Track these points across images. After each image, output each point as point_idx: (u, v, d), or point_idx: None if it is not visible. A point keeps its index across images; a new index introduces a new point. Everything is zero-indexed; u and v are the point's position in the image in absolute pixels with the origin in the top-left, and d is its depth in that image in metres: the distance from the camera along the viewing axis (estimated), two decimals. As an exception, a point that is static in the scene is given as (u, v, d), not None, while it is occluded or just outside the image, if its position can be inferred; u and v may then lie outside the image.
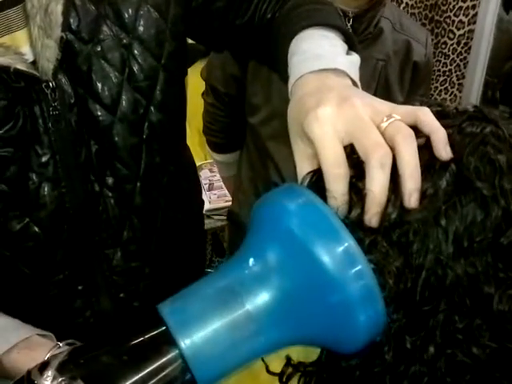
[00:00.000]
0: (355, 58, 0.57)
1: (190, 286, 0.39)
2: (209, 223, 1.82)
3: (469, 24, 1.90)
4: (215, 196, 1.93)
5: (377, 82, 1.24)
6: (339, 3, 1.09)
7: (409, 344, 0.38)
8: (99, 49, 0.67)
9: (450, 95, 2.03)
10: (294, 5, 0.70)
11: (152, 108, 0.72)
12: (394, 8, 1.32)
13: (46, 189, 0.67)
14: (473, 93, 1.97)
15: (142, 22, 0.69)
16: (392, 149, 0.38)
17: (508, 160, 0.38)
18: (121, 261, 0.76)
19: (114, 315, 0.78)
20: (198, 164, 1.99)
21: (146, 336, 0.36)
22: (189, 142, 0.92)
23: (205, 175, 2.03)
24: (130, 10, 0.68)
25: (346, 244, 0.36)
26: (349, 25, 1.12)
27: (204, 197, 1.87)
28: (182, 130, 0.85)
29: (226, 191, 1.80)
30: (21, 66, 0.60)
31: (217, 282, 0.38)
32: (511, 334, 0.38)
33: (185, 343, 0.35)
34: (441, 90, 2.03)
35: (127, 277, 0.78)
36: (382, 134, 0.39)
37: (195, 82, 1.60)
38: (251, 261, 0.38)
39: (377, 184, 0.37)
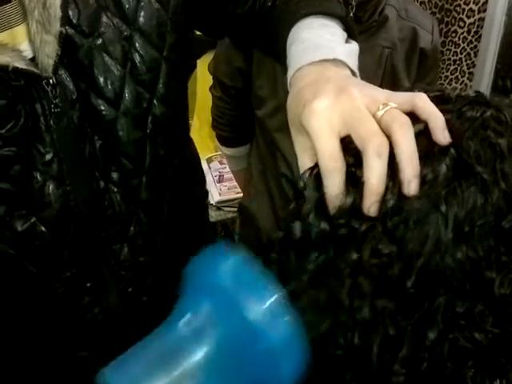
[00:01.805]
0: (354, 47, 0.56)
1: (134, 348, 0.40)
2: (219, 215, 1.81)
3: (479, 12, 1.86)
4: (225, 188, 1.91)
5: (383, 70, 1.23)
6: None
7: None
8: (100, 42, 0.66)
9: (460, 84, 2.00)
10: None
11: (155, 101, 0.72)
12: None
13: (50, 187, 0.66)
14: (483, 82, 1.94)
15: (142, 13, 0.68)
16: (389, 137, 0.38)
17: (509, 144, 0.38)
18: (128, 256, 0.76)
19: (122, 311, 0.78)
20: (208, 156, 1.99)
21: None
22: (198, 134, 0.91)
23: (215, 167, 2.02)
24: (131, 1, 0.67)
25: (271, 299, 0.38)
26: (352, 13, 1.11)
27: (214, 189, 1.89)
28: (185, 122, 0.85)
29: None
30: (19, 64, 0.59)
31: (156, 345, 0.41)
32: None
33: None
34: (451, 79, 2.01)
35: (135, 271, 0.78)
36: (378, 122, 0.39)
37: (204, 74, 1.59)
38: (184, 321, 0.40)
39: (374, 173, 0.37)
